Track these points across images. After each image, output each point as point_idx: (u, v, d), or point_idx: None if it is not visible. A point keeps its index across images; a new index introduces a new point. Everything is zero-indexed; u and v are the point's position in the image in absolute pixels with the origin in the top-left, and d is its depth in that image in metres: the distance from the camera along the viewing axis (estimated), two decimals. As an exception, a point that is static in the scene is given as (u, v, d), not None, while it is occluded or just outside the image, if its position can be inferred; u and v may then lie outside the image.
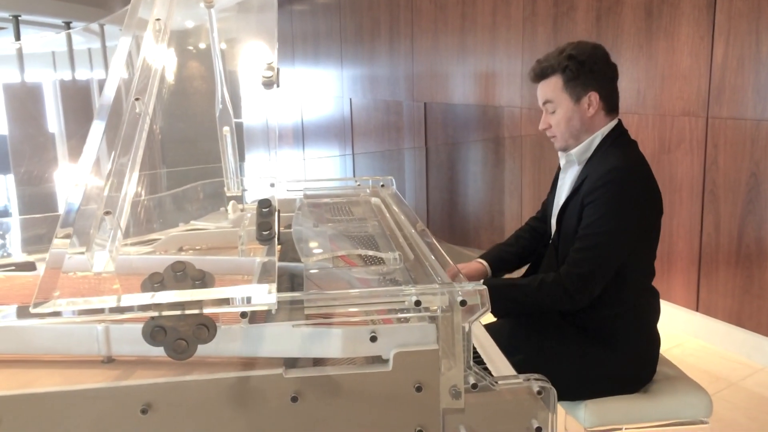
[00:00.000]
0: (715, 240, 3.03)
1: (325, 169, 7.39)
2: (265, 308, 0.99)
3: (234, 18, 1.75)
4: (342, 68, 6.87)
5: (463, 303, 1.04)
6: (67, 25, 6.23)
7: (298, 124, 8.09)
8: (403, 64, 5.68)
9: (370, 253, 1.41)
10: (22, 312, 0.99)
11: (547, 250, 1.79)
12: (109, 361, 1.10)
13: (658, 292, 1.71)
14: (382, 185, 2.20)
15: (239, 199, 2.04)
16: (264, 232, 1.07)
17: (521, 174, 4.32)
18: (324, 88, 7.17)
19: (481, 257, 1.90)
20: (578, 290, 1.57)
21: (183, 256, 1.58)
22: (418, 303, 1.04)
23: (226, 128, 2.00)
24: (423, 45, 5.34)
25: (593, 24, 3.59)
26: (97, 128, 1.22)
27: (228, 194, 2.08)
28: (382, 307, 1.06)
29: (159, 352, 1.08)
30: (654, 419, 1.53)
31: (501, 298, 1.61)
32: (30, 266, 1.66)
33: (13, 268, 1.63)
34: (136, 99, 1.25)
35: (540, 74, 1.74)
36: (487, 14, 4.50)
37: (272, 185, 2.36)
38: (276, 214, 1.11)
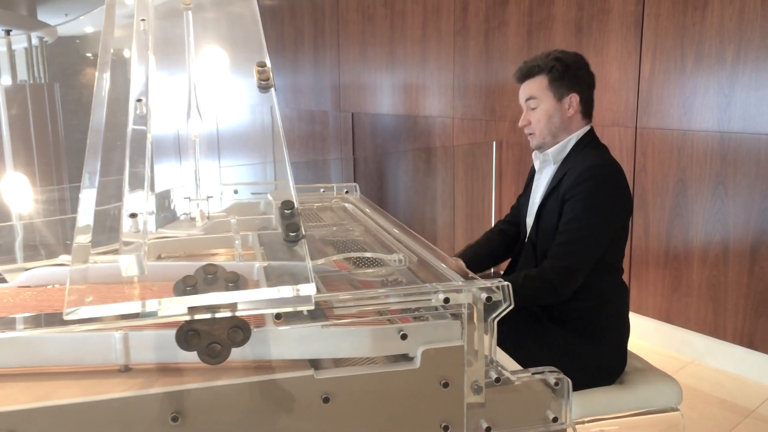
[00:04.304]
0: (644, 242, 3.23)
1: (245, 180, 7.26)
2: (302, 309, 0.99)
3: (213, 19, 1.72)
4: (262, 77, 6.79)
5: (488, 299, 1.08)
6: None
7: (213, 133, 7.90)
8: (329, 74, 5.70)
9: (368, 255, 1.42)
10: (54, 319, 0.95)
11: (524, 249, 1.86)
12: (126, 369, 1.06)
13: (627, 287, 1.82)
14: (347, 192, 2.21)
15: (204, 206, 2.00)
16: (291, 234, 1.07)
17: (454, 182, 4.43)
18: (240, 96, 7.05)
19: (457, 255, 1.96)
20: (562, 282, 1.65)
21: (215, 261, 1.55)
22: (446, 300, 1.06)
23: (195, 134, 1.96)
24: (350, 55, 5.39)
25: (524, 39, 3.75)
26: (98, 130, 1.18)
27: (193, 201, 2.03)
28: (413, 305, 1.08)
29: (180, 358, 1.05)
30: (631, 408, 1.63)
31: None
32: (-6, 277, 1.56)
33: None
34: (138, 100, 1.21)
35: (526, 73, 1.84)
36: (417, 27, 4.60)
37: (236, 192, 2.31)
38: (299, 215, 1.11)
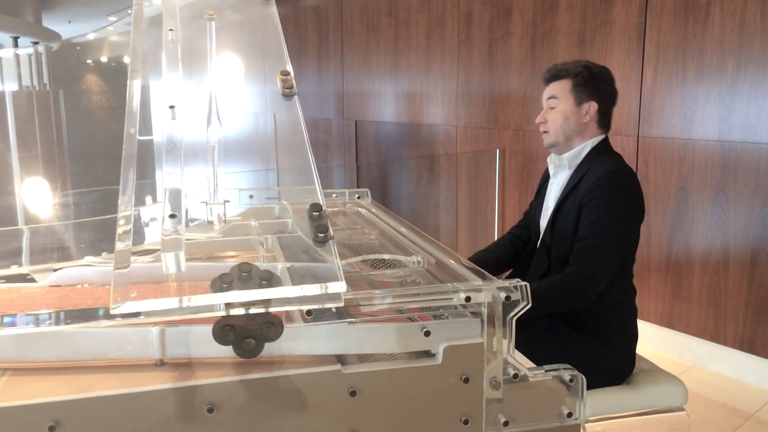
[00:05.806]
0: (646, 249, 3.28)
1: (244, 187, 7.29)
2: (331, 306, 1.04)
3: (237, 29, 1.78)
4: (265, 84, 6.86)
5: (507, 298, 1.13)
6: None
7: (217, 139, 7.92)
8: (333, 83, 5.76)
9: (387, 257, 1.47)
10: (95, 314, 0.99)
11: (536, 252, 1.91)
12: (162, 364, 1.10)
13: (636, 290, 1.88)
14: (358, 197, 2.27)
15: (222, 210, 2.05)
16: (320, 234, 1.12)
17: (457, 190, 4.49)
18: (242, 103, 7.10)
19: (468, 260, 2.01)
20: (587, 287, 1.70)
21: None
22: (468, 299, 1.12)
23: (214, 140, 2.02)
24: (354, 64, 5.45)
25: (528, 49, 3.81)
26: (132, 134, 1.23)
27: (210, 205, 2.09)
28: (435, 303, 1.13)
29: (213, 353, 1.10)
30: (638, 408, 1.68)
31: None
32: (21, 278, 1.61)
33: (3, 280, 1.58)
34: (171, 107, 1.26)
35: (555, 75, 1.92)
36: (421, 37, 4.66)
37: (251, 197, 2.36)
38: (327, 217, 1.16)
